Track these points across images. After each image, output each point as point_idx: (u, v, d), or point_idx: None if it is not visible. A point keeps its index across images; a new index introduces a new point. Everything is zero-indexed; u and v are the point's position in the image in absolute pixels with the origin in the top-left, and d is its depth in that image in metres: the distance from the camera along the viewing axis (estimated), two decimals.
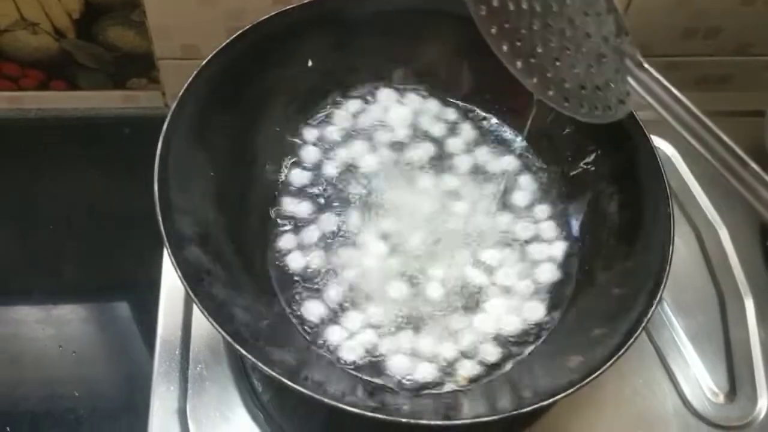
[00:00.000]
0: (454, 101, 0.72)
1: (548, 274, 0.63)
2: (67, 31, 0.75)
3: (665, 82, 0.51)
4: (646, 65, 0.52)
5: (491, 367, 0.59)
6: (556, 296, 0.62)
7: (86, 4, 0.73)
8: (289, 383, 0.47)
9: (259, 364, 0.48)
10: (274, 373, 0.48)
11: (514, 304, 0.62)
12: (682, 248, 0.73)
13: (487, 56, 0.49)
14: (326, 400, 0.47)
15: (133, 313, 0.71)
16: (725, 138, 0.47)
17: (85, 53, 0.78)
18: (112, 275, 0.74)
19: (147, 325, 0.65)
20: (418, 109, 0.71)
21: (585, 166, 0.65)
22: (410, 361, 0.59)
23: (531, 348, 0.60)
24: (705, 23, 0.83)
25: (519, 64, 0.50)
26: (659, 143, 0.76)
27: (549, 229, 0.66)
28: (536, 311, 0.62)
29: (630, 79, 0.52)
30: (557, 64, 0.51)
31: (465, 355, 0.60)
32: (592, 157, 0.65)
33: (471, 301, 0.62)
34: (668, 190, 0.58)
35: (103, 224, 0.76)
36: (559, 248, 0.65)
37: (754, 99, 0.72)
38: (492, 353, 0.60)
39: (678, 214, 0.73)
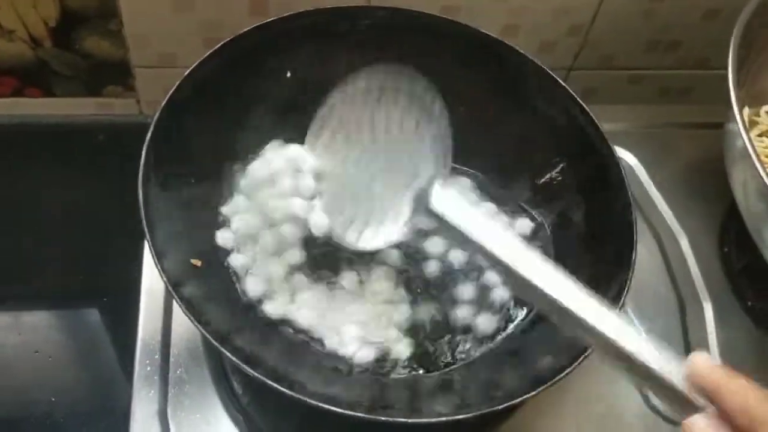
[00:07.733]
0: None
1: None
2: (43, 40, 0.76)
3: None
4: None
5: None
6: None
7: (63, 13, 0.73)
8: (272, 383, 0.49)
9: (241, 363, 0.49)
10: (255, 373, 0.49)
11: None
12: (645, 255, 0.75)
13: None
14: (308, 399, 0.49)
15: (110, 317, 0.71)
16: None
17: (61, 61, 0.78)
18: (89, 279, 0.74)
19: (125, 328, 0.65)
20: None
21: (552, 177, 0.68)
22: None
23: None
24: (667, 36, 0.86)
25: None
26: (622, 154, 0.79)
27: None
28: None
29: None
30: None
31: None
32: (559, 168, 0.67)
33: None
34: (631, 199, 0.60)
35: (78, 228, 0.77)
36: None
37: (713, 111, 0.74)
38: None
39: (640, 223, 0.76)
